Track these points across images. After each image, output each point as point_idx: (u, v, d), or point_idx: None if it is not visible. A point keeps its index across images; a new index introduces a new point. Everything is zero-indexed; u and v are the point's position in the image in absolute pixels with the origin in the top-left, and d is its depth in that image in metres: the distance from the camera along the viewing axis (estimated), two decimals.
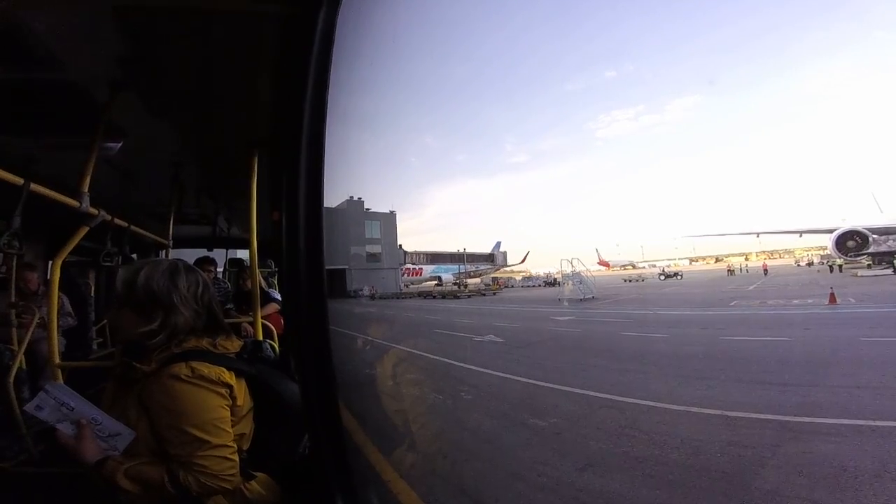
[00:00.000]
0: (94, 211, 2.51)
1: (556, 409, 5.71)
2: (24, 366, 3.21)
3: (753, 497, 3.37)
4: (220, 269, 5.72)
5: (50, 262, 2.75)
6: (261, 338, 3.08)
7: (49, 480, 2.52)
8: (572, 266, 30.10)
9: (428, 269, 63.09)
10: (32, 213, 2.20)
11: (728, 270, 48.57)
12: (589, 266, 34.29)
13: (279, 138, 2.48)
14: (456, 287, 49.05)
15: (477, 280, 57.87)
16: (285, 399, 1.46)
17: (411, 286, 55.90)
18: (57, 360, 2.54)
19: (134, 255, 4.60)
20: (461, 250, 59.68)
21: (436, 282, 59.09)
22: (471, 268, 62.02)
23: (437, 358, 9.86)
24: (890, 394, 5.25)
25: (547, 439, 4.77)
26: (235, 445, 1.30)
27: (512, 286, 53.02)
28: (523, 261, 71.79)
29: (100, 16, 1.69)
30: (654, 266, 73.15)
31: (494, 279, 56.37)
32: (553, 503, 3.50)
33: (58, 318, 2.66)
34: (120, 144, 2.65)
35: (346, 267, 46.30)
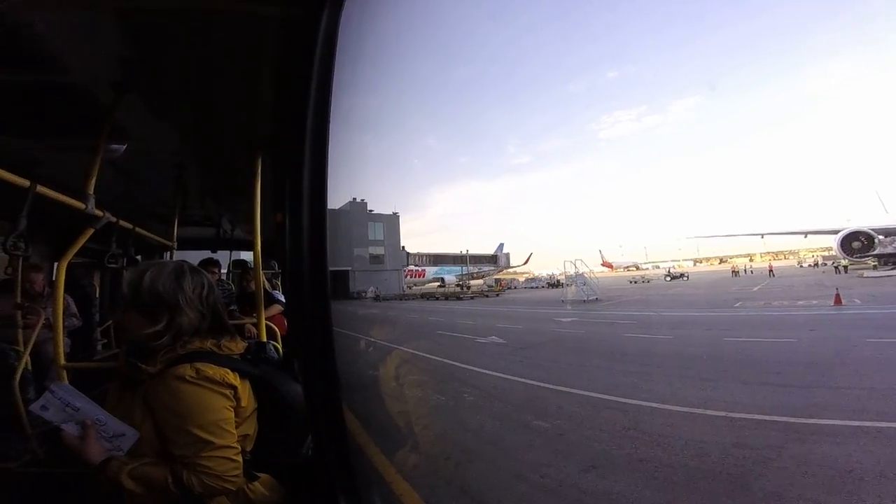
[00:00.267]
0: (99, 213, 2.53)
1: (559, 410, 5.69)
2: (29, 367, 3.23)
3: (757, 499, 3.35)
4: (223, 271, 5.74)
5: (55, 264, 2.76)
6: (264, 339, 3.09)
7: (54, 481, 2.53)
8: (575, 267, 30.01)
9: (431, 271, 63.04)
10: (38, 215, 2.22)
11: (732, 271, 48.28)
12: (592, 267, 34.21)
13: (282, 140, 2.49)
14: (459, 288, 49.00)
15: (480, 281, 57.78)
16: (289, 400, 1.46)
17: (414, 288, 55.88)
18: (62, 360, 2.55)
19: (138, 257, 4.62)
20: (464, 252, 59.82)
21: (438, 283, 59.06)
22: (473, 269, 61.95)
23: (440, 359, 9.85)
24: (894, 396, 5.21)
25: (550, 441, 4.75)
26: (239, 446, 1.30)
27: (515, 288, 52.90)
28: (526, 262, 71.77)
29: (103, 18, 1.70)
30: (658, 267, 72.85)
31: (497, 280, 56.26)
32: None
33: (63, 320, 2.68)
34: (124, 146, 2.66)
35: (350, 268, 46.36)
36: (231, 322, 1.58)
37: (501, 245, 72.37)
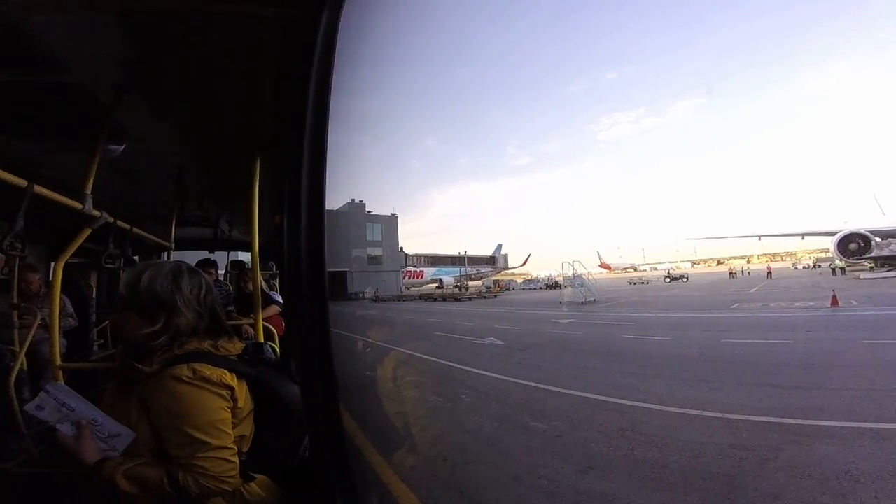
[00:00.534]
0: (96, 213, 2.52)
1: (556, 411, 5.70)
2: (25, 367, 3.21)
3: (754, 500, 3.35)
4: (221, 272, 5.73)
5: (52, 264, 2.76)
6: (262, 340, 3.09)
7: (49, 480, 2.52)
8: (573, 269, 30.05)
9: (429, 272, 63.02)
10: (35, 215, 2.21)
11: (730, 273, 48.53)
12: (590, 269, 34.29)
13: (281, 141, 2.49)
14: (457, 289, 49.01)
15: (478, 283, 57.80)
16: (286, 401, 1.46)
17: (412, 289, 55.89)
18: (58, 361, 2.55)
19: (136, 258, 4.61)
20: (462, 253, 59.83)
21: (437, 284, 59.06)
22: (472, 270, 61.98)
23: (438, 360, 9.85)
24: (890, 396, 5.24)
25: (548, 442, 4.75)
26: (235, 447, 1.30)
27: (513, 289, 52.98)
28: (524, 263, 71.80)
29: (104, 18, 1.70)
30: (656, 269, 73.05)
31: (495, 282, 56.30)
32: None
33: (59, 320, 2.67)
34: (123, 147, 2.66)
35: (348, 269, 46.35)
36: (228, 323, 1.58)
37: (500, 246, 72.49)
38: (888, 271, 26.71)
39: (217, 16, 1.72)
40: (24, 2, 1.61)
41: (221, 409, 1.28)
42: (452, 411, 6.25)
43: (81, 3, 1.66)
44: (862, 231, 32.73)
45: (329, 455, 1.29)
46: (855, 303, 15.06)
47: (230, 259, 6.44)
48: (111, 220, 2.81)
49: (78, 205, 2.37)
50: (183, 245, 5.12)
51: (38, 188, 2.19)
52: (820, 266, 47.85)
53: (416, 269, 61.13)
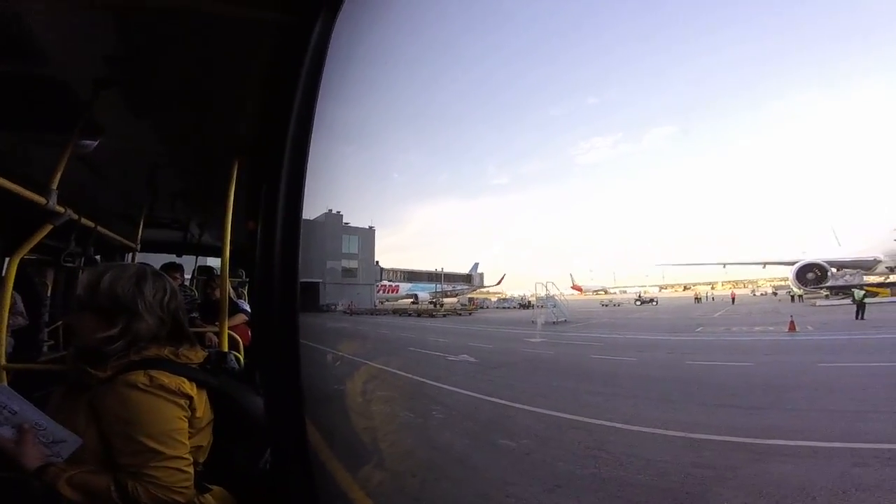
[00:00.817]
0: (60, 209, 2.41)
1: (526, 430, 5.72)
2: None
3: None
4: (188, 276, 5.55)
5: (7, 259, 2.60)
6: (226, 349, 2.99)
7: None
8: (546, 289, 30.57)
9: (404, 287, 62.69)
10: None
11: (695, 298, 50.51)
12: (563, 290, 34.89)
13: (262, 145, 2.46)
14: (432, 306, 48.85)
15: (453, 300, 57.83)
16: (248, 412, 1.44)
17: (386, 303, 55.37)
18: (3, 361, 2.39)
19: (97, 257, 4.42)
20: (439, 269, 59.85)
21: (412, 300, 58.72)
22: (448, 287, 62.00)
23: (410, 376, 9.76)
24: (843, 417, 5.50)
25: (517, 460, 4.75)
26: (191, 458, 1.26)
27: (487, 307, 53.26)
28: (499, 282, 72.40)
29: (91, 11, 1.67)
30: (625, 292, 74.97)
31: (470, 300, 56.45)
32: None
33: (8, 318, 2.52)
34: (96, 143, 2.57)
35: (321, 280, 45.51)
36: (192, 330, 1.54)
37: (476, 265, 72.99)
38: (842, 299, 28.27)
39: (208, 16, 1.71)
40: None
41: (178, 419, 1.24)
42: (423, 427, 6.17)
43: None
44: (819, 261, 34.74)
45: (292, 468, 1.26)
46: (811, 328, 15.83)
47: (198, 264, 6.23)
48: (75, 217, 2.70)
49: (42, 199, 2.26)
50: (150, 247, 4.94)
51: None
52: (777, 293, 50.35)
53: (391, 283, 60.69)
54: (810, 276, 33.84)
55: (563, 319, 24.95)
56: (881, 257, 34.29)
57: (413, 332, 21.35)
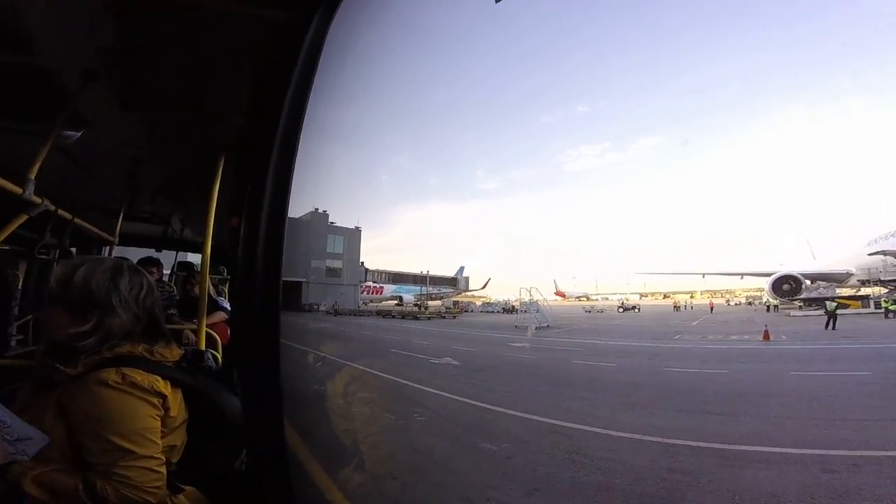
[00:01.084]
0: (37, 199, 2.34)
1: (507, 433, 5.74)
2: None
3: None
4: (167, 272, 5.43)
5: None
6: (204, 347, 2.94)
7: None
8: (530, 295, 30.86)
9: (389, 289, 62.30)
10: None
11: (675, 307, 51.74)
12: (546, 295, 35.23)
13: (250, 142, 2.43)
14: (416, 308, 48.71)
15: (438, 303, 57.78)
16: (224, 412, 1.41)
17: (370, 304, 54.99)
18: None
19: (73, 250, 4.29)
20: (425, 272, 59.66)
21: (396, 301, 58.45)
22: (433, 290, 61.84)
23: (392, 378, 9.70)
24: (813, 424, 5.68)
25: (498, 463, 4.77)
26: (163, 458, 1.24)
27: (472, 311, 53.37)
28: (484, 286, 72.46)
29: (84, 3, 1.64)
30: (607, 299, 76.06)
31: (455, 303, 56.46)
32: None
33: None
34: (79, 134, 2.51)
35: (304, 280, 44.94)
36: (169, 327, 1.51)
37: (462, 268, 72.84)
38: (815, 310, 29.22)
39: (204, 11, 1.68)
40: None
41: (150, 417, 1.22)
42: (405, 430, 6.15)
43: None
44: (794, 274, 35.93)
45: (269, 470, 1.25)
46: (784, 337, 16.30)
47: (178, 260, 6.10)
48: (52, 208, 2.62)
49: (18, 189, 2.19)
50: (128, 241, 4.83)
51: None
52: (752, 303, 51.92)
53: (376, 284, 60.26)
54: (786, 287, 34.98)
55: (546, 325, 25.15)
56: (854, 271, 35.62)
57: (396, 335, 21.25)
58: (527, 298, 30.92)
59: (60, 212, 3.02)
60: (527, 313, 27.96)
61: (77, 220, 3.52)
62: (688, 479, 4.20)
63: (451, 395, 7.97)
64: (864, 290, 33.39)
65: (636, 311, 48.67)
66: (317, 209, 50.37)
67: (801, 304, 33.83)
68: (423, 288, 58.27)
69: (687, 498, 3.87)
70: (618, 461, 4.69)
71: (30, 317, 4.39)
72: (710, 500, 3.81)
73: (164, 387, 1.26)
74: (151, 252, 5.13)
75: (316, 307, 42.64)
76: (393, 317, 38.79)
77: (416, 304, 53.31)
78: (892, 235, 32.00)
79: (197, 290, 3.74)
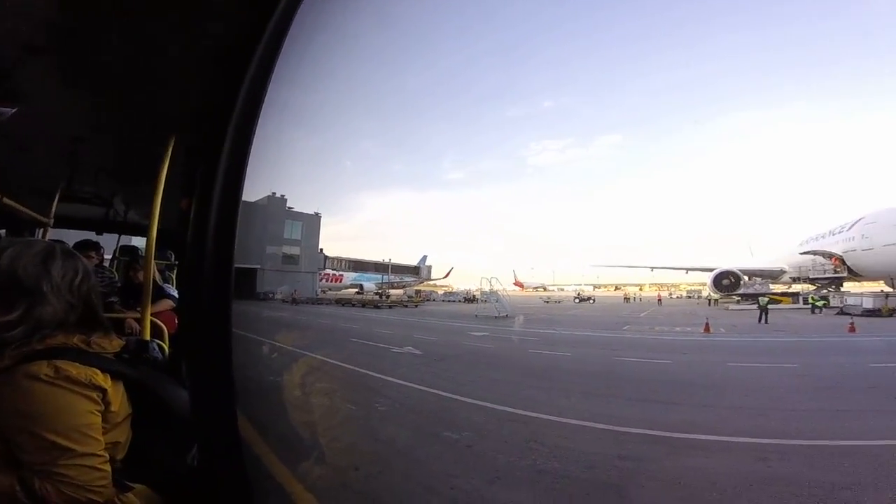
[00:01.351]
0: None
1: (468, 422, 5.83)
2: None
3: None
4: (108, 257, 5.05)
5: None
6: (148, 337, 2.78)
7: None
8: (491, 285, 31.39)
9: (349, 277, 61.34)
10: None
11: (625, 298, 54.74)
12: (506, 285, 35.99)
13: (204, 121, 2.26)
14: (377, 297, 48.33)
15: (400, 291, 57.60)
16: (171, 405, 1.36)
17: (329, 292, 53.98)
18: None
19: (1, 232, 3.91)
20: (387, 260, 59.06)
21: (357, 290, 57.67)
22: (395, 278, 61.46)
23: (353, 368, 9.59)
24: (748, 413, 6.14)
25: (459, 452, 4.84)
26: (107, 455, 1.17)
27: (434, 300, 53.65)
28: (446, 276, 72.88)
29: None
30: (563, 290, 78.82)
31: (417, 292, 56.58)
32: None
33: None
34: (13, 110, 2.26)
35: (259, 266, 43.27)
36: (110, 316, 1.42)
37: (425, 257, 72.80)
38: (750, 304, 31.67)
39: None
40: None
41: (89, 413, 1.15)
42: (366, 420, 6.10)
43: None
44: (734, 270, 38.72)
45: (222, 464, 1.21)
46: (723, 330, 17.58)
47: (121, 244, 5.68)
48: None
49: None
50: (65, 223, 4.47)
51: None
52: (691, 297, 55.90)
53: (335, 272, 59.12)
54: (725, 282, 37.64)
55: (505, 314, 25.72)
56: (786, 268, 38.93)
57: (357, 324, 21.01)
58: (487, 288, 31.42)
59: None
60: (487, 303, 28.43)
61: (6, 200, 3.20)
62: (636, 466, 4.44)
63: (413, 385, 7.99)
64: (795, 287, 36.47)
65: (591, 301, 50.86)
66: (274, 193, 48.54)
67: (739, 298, 36.54)
68: (385, 276, 57.79)
69: (636, 485, 4.08)
70: (573, 449, 4.88)
71: None
72: (657, 486, 4.05)
73: (103, 380, 1.18)
74: (91, 235, 4.76)
75: (272, 295, 41.27)
76: (353, 305, 38.27)
77: (377, 293, 52.91)
78: (822, 237, 35.23)
79: (141, 276, 3.51)
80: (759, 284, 37.25)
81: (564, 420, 5.90)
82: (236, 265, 1.23)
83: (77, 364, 1.14)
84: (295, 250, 50.33)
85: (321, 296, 48.07)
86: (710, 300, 41.62)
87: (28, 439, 1.07)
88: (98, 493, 1.11)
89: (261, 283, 42.36)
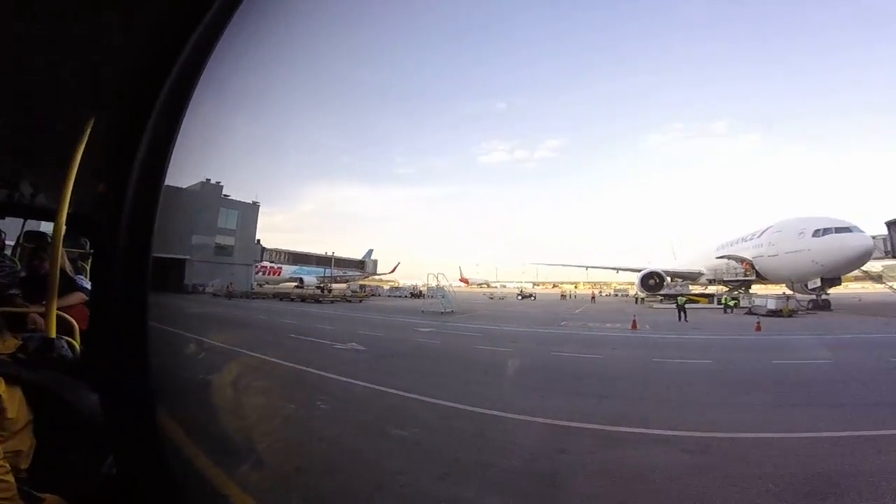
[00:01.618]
0: None
1: (415, 419, 5.84)
2: None
3: (574, 501, 3.84)
4: (10, 243, 4.43)
5: None
6: (54, 334, 2.44)
7: None
8: (437, 280, 31.55)
9: (289, 270, 58.71)
10: None
11: (561, 295, 57.72)
12: (451, 281, 36.34)
13: (128, 102, 2.03)
14: (319, 291, 46.74)
15: (343, 285, 56.11)
16: (81, 409, 1.25)
17: (266, 286, 51.36)
18: None
19: None
20: (330, 253, 57.16)
21: (296, 284, 55.38)
22: (338, 272, 59.70)
23: (292, 365, 9.22)
24: (671, 407, 6.64)
25: (407, 449, 4.83)
26: (7, 465, 1.08)
27: (379, 295, 52.90)
28: (393, 271, 72.04)
29: None
30: (505, 286, 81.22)
31: (362, 287, 55.42)
32: None
33: None
34: None
35: (187, 257, 40.04)
36: (9, 310, 1.24)
37: (370, 251, 71.35)
38: (671, 304, 34.54)
39: None
40: None
41: None
42: (308, 419, 5.90)
43: None
44: (659, 270, 41.99)
45: (143, 471, 1.11)
46: (648, 327, 18.99)
47: (26, 229, 5.00)
48: None
49: None
50: None
51: None
52: (618, 295, 60.42)
53: (273, 265, 56.33)
54: (651, 282, 40.70)
55: (451, 310, 25.97)
56: (704, 271, 42.77)
57: (296, 319, 20.22)
58: (434, 284, 31.54)
59: None
60: (433, 298, 28.54)
61: None
62: (573, 459, 4.64)
63: (357, 382, 7.85)
64: (711, 288, 40.24)
65: (533, 298, 52.90)
66: (209, 180, 45.12)
67: (662, 297, 39.74)
68: (328, 270, 55.99)
69: (573, 476, 4.26)
70: (516, 443, 5.05)
71: None
72: (595, 478, 4.24)
73: None
74: None
75: (202, 288, 38.39)
76: (292, 300, 36.71)
77: (318, 287, 51.17)
78: (736, 243, 39.15)
79: (47, 265, 3.08)
80: (680, 285, 40.74)
81: (506, 415, 6.06)
82: (159, 255, 1.14)
83: None
84: (229, 240, 47.17)
85: (257, 290, 45.52)
86: (637, 299, 44.85)
87: None
88: None
89: (189, 275, 39.23)
